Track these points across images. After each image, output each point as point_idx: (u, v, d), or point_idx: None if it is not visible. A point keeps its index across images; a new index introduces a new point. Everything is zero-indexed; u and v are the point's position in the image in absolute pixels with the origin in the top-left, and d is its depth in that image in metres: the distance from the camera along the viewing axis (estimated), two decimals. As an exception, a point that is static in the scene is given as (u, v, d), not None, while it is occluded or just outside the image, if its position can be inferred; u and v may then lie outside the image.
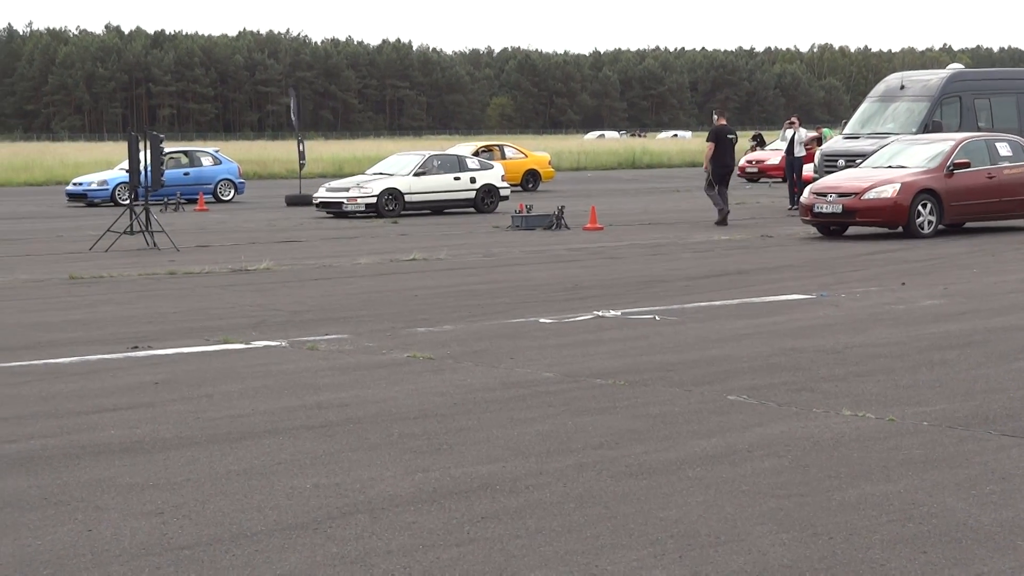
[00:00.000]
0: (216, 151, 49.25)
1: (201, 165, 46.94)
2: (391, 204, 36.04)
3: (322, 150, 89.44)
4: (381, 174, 37.55)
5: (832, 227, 26.88)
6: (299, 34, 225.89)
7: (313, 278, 20.74)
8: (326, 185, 38.15)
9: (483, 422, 9.94)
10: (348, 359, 12.93)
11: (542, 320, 15.43)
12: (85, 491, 8.16)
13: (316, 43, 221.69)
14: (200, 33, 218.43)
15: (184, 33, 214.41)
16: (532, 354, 13.01)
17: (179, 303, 17.70)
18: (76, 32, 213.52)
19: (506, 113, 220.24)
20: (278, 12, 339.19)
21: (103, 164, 62.72)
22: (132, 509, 7.73)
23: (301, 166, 46.52)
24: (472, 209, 37.62)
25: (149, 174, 27.81)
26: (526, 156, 53.59)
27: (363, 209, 35.83)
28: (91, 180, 45.45)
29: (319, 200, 36.88)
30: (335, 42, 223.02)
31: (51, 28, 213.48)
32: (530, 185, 51.86)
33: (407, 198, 36.38)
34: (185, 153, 48.02)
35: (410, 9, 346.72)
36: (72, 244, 28.04)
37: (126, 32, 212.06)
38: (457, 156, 39.09)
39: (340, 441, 9.39)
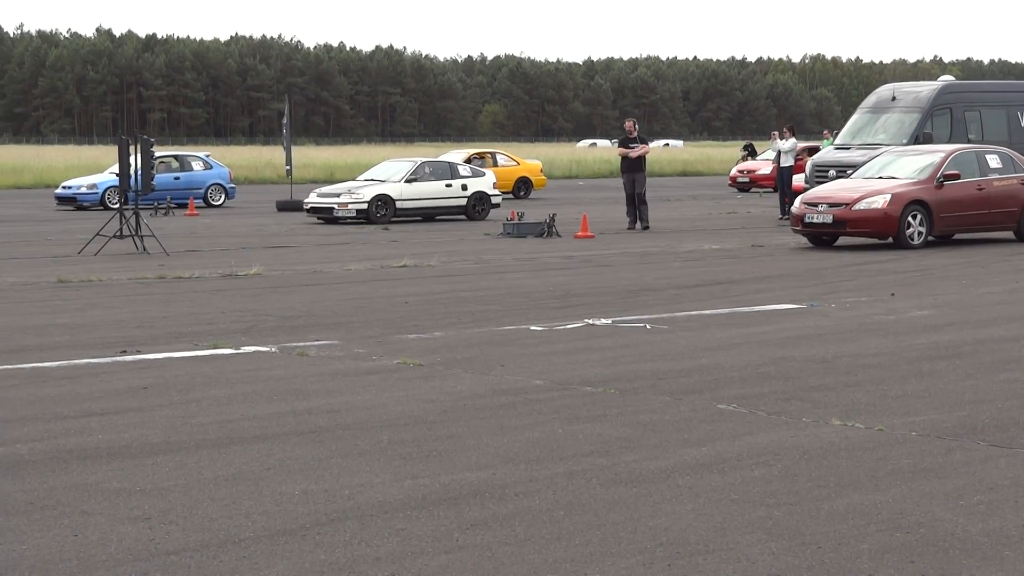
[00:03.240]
0: (207, 155, 49.05)
1: (192, 170, 46.74)
2: (382, 210, 35.94)
3: (314, 156, 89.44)
4: (373, 180, 37.49)
5: (823, 237, 26.86)
6: (291, 39, 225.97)
7: (303, 284, 20.71)
8: (317, 191, 38.07)
9: (473, 429, 9.92)
10: (338, 365, 12.91)
11: (533, 328, 15.41)
12: (72, 496, 8.13)
13: (308, 48, 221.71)
14: (192, 37, 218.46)
15: (176, 37, 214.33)
16: (523, 361, 12.99)
17: (168, 307, 17.66)
18: (67, 35, 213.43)
19: (498, 120, 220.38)
20: (270, 17, 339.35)
21: (93, 168, 62.60)
22: (119, 514, 7.71)
23: (287, 172, 46.43)
24: (463, 216, 37.49)
25: (139, 178, 27.76)
26: (518, 164, 53.61)
27: (354, 215, 35.75)
28: (80, 184, 45.39)
29: (310, 206, 36.77)
30: (327, 48, 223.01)
31: (41, 30, 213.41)
32: (522, 193, 51.87)
33: (398, 204, 36.27)
34: (176, 158, 47.88)
35: (403, 16, 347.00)
36: (61, 248, 28.00)
37: (117, 35, 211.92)
38: (449, 163, 39.03)
39: (329, 447, 9.37)
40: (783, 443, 9.38)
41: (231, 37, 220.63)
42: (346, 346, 14.06)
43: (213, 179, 46.77)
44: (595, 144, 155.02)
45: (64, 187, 46.09)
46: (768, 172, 50.42)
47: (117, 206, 43.15)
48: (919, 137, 33.15)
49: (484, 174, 38.84)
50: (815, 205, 26.46)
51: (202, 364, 13.02)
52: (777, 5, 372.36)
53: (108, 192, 44.08)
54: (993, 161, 27.73)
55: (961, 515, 7.58)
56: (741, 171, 56.10)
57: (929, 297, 18.27)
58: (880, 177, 27.29)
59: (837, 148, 35.37)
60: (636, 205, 32.96)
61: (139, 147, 27.78)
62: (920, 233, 26.18)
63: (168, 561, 6.85)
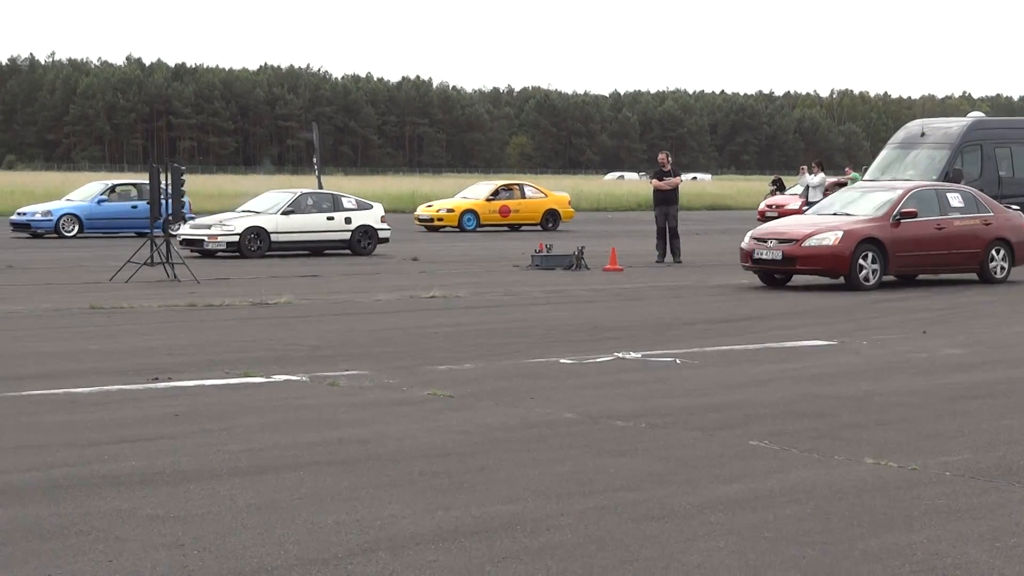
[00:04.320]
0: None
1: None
2: (255, 244, 34.41)
3: (343, 185, 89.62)
4: (248, 212, 36.12)
5: (776, 275, 25.69)
6: (319, 69, 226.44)
7: (333, 313, 20.76)
8: (192, 222, 36.46)
9: (503, 461, 9.92)
10: (368, 395, 12.92)
11: (562, 360, 15.41)
12: (106, 521, 8.15)
13: (336, 79, 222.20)
14: (221, 66, 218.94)
15: (205, 66, 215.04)
16: (553, 394, 12.99)
17: (199, 335, 17.71)
18: (98, 63, 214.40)
19: (525, 152, 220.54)
20: (299, 47, 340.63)
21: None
22: (153, 541, 7.73)
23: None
24: (347, 251, 36.12)
25: (171, 205, 27.86)
26: (546, 195, 53.65)
27: (224, 248, 34.32)
28: (35, 210, 45.13)
29: (182, 237, 34.73)
30: (355, 78, 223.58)
31: (73, 59, 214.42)
32: (550, 225, 51.90)
33: (274, 237, 34.75)
34: (134, 186, 46.58)
35: (430, 47, 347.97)
36: (93, 274, 28.08)
37: (147, 64, 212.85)
38: (333, 195, 37.53)
39: (361, 477, 9.38)
40: (816, 481, 9.35)
41: (260, 67, 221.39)
42: (376, 376, 14.08)
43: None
44: (623, 177, 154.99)
45: (19, 213, 45.98)
46: (796, 207, 50.35)
47: (72, 234, 43.37)
48: (949, 173, 33.04)
49: (371, 207, 37.23)
50: (764, 241, 25.36)
51: (233, 392, 13.05)
52: (805, 40, 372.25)
53: (63, 219, 44.11)
54: (955, 200, 26.54)
55: (997, 557, 7.55)
56: (769, 205, 55.93)
57: (961, 335, 18.21)
58: (835, 213, 26.29)
59: (865, 184, 35.32)
60: (667, 239, 32.94)
61: (170, 174, 27.89)
62: (875, 272, 24.91)
63: (202, 589, 6.86)
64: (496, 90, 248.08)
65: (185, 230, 34.87)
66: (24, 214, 45.53)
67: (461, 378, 14.03)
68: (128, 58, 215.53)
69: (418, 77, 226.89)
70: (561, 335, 18.02)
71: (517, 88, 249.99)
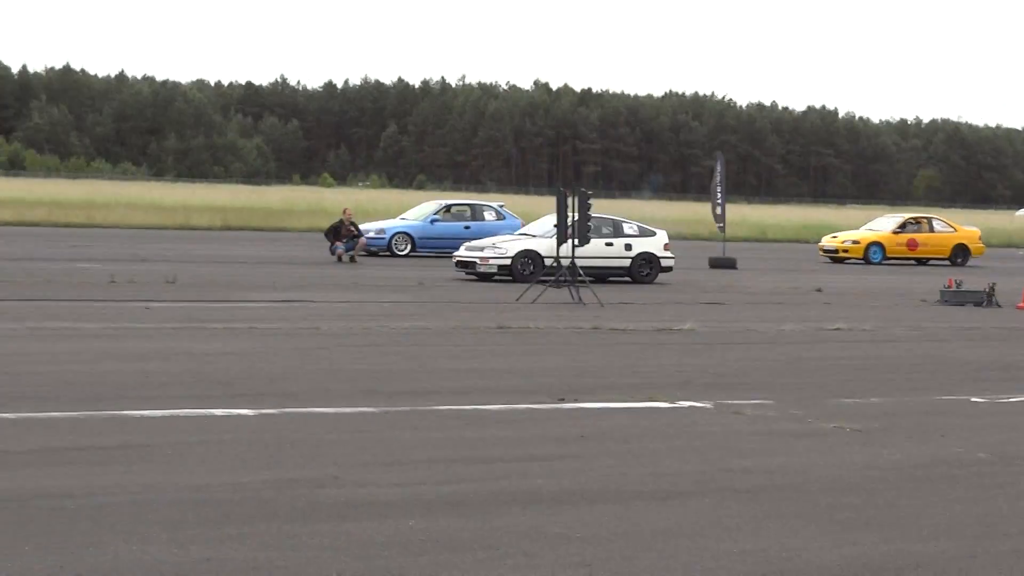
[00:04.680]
0: (500, 206, 47.70)
1: (483, 220, 45.45)
2: (527, 268, 33.04)
3: (746, 213, 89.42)
4: (524, 235, 35.38)
5: None
6: (724, 97, 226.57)
7: (736, 341, 20.67)
8: (466, 244, 35.51)
9: (913, 499, 9.69)
10: (773, 425, 12.82)
11: (973, 399, 14.97)
12: (515, 538, 8.29)
13: (741, 107, 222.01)
14: (626, 93, 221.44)
15: (610, 92, 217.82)
16: (964, 433, 12.63)
17: (604, 358, 17.89)
18: (506, 87, 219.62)
19: (933, 186, 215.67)
20: (703, 75, 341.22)
21: (532, 217, 63.81)
22: (560, 559, 7.82)
23: (720, 229, 46.41)
24: (628, 278, 34.27)
25: (576, 230, 28.25)
26: (955, 230, 52.27)
27: (495, 271, 33.33)
28: (369, 229, 44.56)
29: (456, 259, 34.54)
30: (760, 106, 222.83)
31: (482, 82, 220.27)
32: (959, 260, 50.54)
33: (548, 261, 32.27)
34: (469, 207, 47.23)
35: (837, 76, 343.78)
36: (496, 293, 28.70)
37: (554, 88, 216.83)
38: (614, 220, 35.75)
39: (765, 507, 9.30)
40: None
41: (665, 93, 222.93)
42: (781, 406, 13.95)
43: (504, 230, 43.72)
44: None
45: None
46: None
47: (404, 253, 43.68)
48: None
49: (655, 234, 35.28)
50: None
51: (638, 416, 13.13)
52: None
53: (396, 238, 44.25)
54: None
55: None
56: None
57: None
58: None
59: None
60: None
61: (577, 199, 28.29)
62: None
63: (609, 610, 6.91)
64: (904, 121, 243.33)
65: (460, 252, 34.75)
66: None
67: (867, 412, 13.77)
68: (536, 83, 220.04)
69: (823, 106, 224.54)
70: (971, 371, 17.52)
71: (925, 120, 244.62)
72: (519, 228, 44.30)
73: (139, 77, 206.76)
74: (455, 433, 11.87)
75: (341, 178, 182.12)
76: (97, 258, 36.74)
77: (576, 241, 28.41)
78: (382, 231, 45.00)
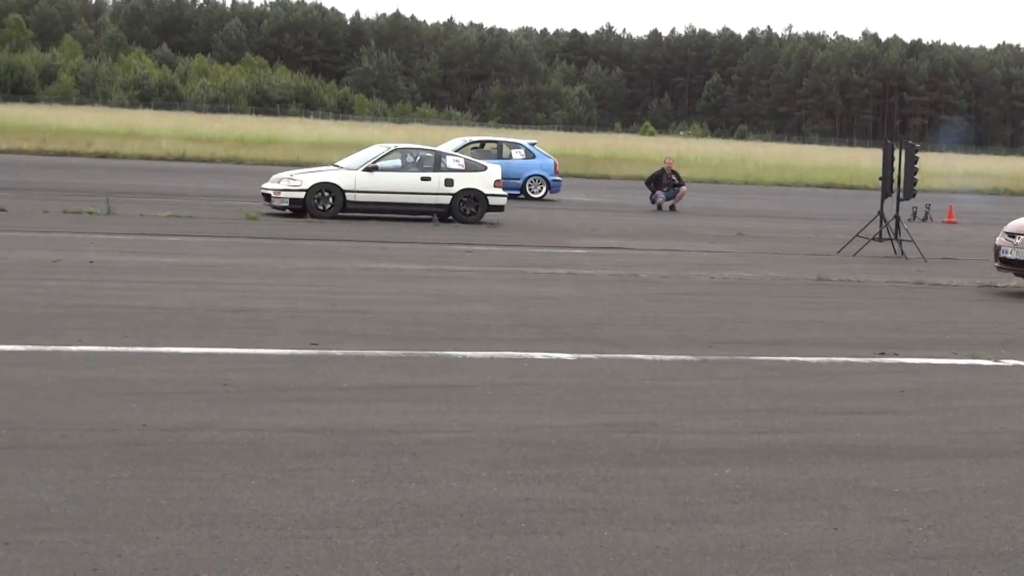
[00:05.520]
0: (532, 143, 45.14)
1: (511, 158, 42.95)
2: (324, 203, 29.74)
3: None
4: (332, 167, 31.77)
5: None
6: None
7: (1065, 300, 20.05)
8: (274, 176, 31.95)
9: None
10: (1102, 387, 12.42)
11: None
12: (831, 489, 8.25)
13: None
14: (957, 44, 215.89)
15: (941, 43, 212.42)
16: None
17: (924, 314, 17.59)
18: (833, 37, 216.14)
19: None
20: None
21: (851, 169, 62.86)
22: (877, 513, 7.75)
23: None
24: (450, 217, 30.55)
25: (903, 183, 27.72)
26: None
27: (287, 204, 29.82)
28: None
29: (261, 190, 31.23)
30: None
31: (809, 32, 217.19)
32: None
33: (350, 196, 29.91)
34: (497, 143, 44.67)
35: None
36: (818, 246, 28.38)
37: (883, 39, 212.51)
38: (436, 153, 32.07)
39: (1093, 471, 9.04)
40: None
41: (997, 45, 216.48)
42: (1111, 368, 13.50)
43: (534, 170, 42.97)
44: None
45: None
46: None
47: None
48: None
49: (484, 168, 31.45)
50: (1013, 236, 20.60)
51: (960, 373, 12.89)
52: None
53: (529, 181, 42.52)
54: None
55: None
56: None
57: None
58: None
59: None
60: None
61: (903, 152, 27.74)
62: None
63: (926, 565, 6.83)
64: None
65: (266, 183, 31.29)
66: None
67: None
68: (864, 33, 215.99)
69: None
70: None
71: None
72: (551, 168, 43.54)
73: (466, 24, 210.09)
74: (772, 383, 11.83)
75: (662, 127, 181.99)
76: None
77: (902, 195, 27.85)
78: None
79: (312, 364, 11.67)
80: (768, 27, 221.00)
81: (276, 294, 16.30)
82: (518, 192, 41.80)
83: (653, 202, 39.72)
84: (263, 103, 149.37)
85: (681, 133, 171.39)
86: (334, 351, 12.34)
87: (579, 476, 8.27)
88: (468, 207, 30.57)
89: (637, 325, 15.14)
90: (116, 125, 74.47)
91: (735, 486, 8.21)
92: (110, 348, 11.92)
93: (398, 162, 30.68)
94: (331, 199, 29.75)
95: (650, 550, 6.89)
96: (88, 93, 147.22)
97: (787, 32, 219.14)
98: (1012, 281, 21.54)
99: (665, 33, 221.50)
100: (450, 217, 30.41)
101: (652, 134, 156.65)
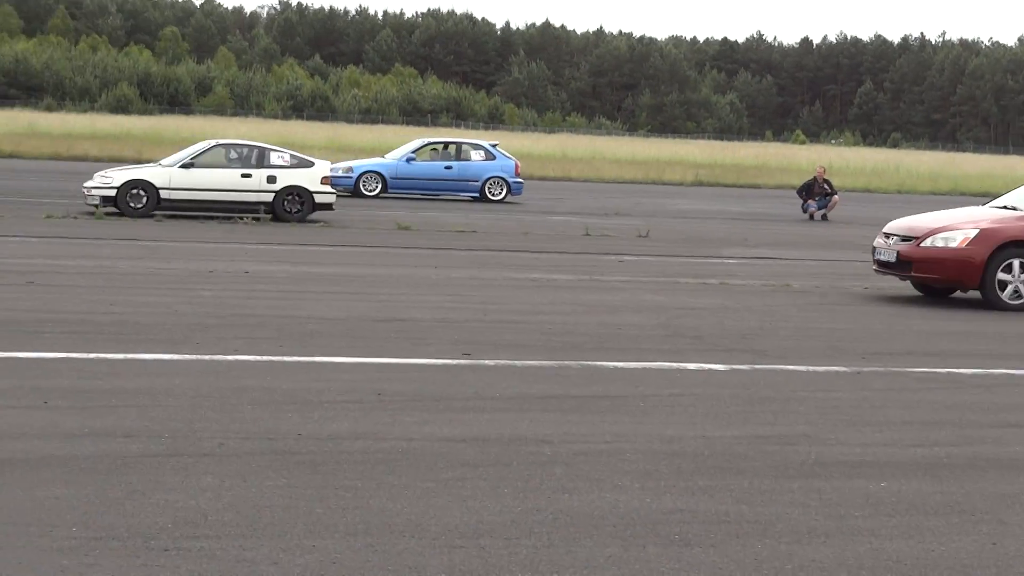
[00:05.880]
0: (494, 145, 43.60)
1: (468, 159, 42.19)
2: (136, 200, 28.70)
3: None
4: (158, 164, 30.69)
5: (905, 279, 19.79)
6: None
7: None
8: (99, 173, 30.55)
9: None
10: None
11: None
12: (989, 503, 8.12)
13: None
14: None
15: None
16: None
17: None
18: (988, 44, 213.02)
19: None
20: None
21: (1007, 179, 61.75)
22: (1037, 528, 7.63)
23: None
24: (270, 215, 29.70)
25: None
26: None
27: (98, 203, 28.76)
28: (338, 167, 40.28)
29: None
30: None
31: (963, 39, 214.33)
32: None
33: (164, 194, 28.94)
34: (456, 144, 43.41)
35: None
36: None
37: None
38: (261, 148, 30.69)
39: None
40: None
41: None
42: None
43: (494, 171, 41.66)
44: None
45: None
46: None
47: (373, 194, 39.53)
48: None
49: (311, 165, 30.31)
50: (888, 237, 19.61)
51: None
52: None
53: (364, 177, 41.07)
54: None
55: None
56: None
57: None
58: (1007, 207, 19.59)
59: None
60: None
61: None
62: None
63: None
64: None
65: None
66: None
67: None
68: (1020, 39, 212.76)
69: None
70: None
71: None
72: (512, 169, 42.18)
73: (616, 33, 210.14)
74: (928, 395, 11.68)
75: (814, 135, 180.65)
76: (571, 211, 37.68)
77: None
78: (350, 170, 41.62)
79: (464, 374, 11.73)
80: (921, 34, 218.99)
81: (428, 304, 16.42)
82: (477, 194, 41.51)
83: (805, 211, 39.45)
84: (414, 113, 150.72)
85: (832, 141, 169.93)
86: (486, 361, 12.39)
87: (732, 488, 8.23)
88: (292, 205, 29.57)
89: (789, 335, 15.03)
90: (270, 136, 75.42)
91: (891, 500, 8.11)
92: (266, 357, 12.09)
93: (219, 158, 30.03)
94: (144, 197, 28.82)
95: (805, 564, 6.83)
96: (242, 104, 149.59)
97: (940, 38, 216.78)
98: None
99: (816, 40, 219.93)
100: (275, 216, 29.47)
101: (803, 143, 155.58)
